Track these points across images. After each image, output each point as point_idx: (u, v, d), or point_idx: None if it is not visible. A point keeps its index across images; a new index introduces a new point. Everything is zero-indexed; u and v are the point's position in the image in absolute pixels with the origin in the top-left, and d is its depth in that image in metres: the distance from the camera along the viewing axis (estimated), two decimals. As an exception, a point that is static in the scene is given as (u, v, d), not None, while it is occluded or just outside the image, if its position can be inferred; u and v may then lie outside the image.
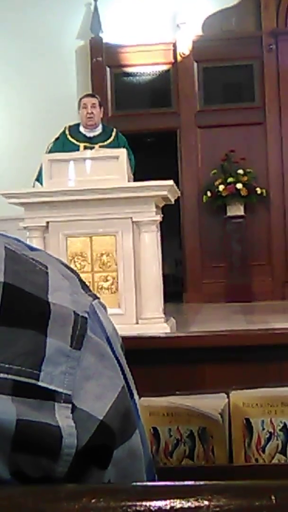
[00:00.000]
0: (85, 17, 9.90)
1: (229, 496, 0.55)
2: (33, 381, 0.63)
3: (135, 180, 5.93)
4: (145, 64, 9.82)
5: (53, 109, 9.17)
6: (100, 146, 6.41)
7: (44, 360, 0.64)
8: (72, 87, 9.53)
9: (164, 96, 9.95)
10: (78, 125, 6.64)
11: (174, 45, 9.77)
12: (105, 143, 6.49)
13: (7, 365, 0.62)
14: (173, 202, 6.13)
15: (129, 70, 9.89)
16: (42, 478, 0.63)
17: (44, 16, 9.70)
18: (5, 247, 0.68)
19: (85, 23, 9.87)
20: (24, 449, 0.62)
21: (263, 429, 1.58)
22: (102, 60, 9.76)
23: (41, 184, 5.94)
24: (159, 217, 5.67)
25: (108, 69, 9.85)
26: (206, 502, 0.54)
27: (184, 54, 9.73)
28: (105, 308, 0.73)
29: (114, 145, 6.46)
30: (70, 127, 6.68)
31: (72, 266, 5.43)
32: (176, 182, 6.13)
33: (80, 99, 6.73)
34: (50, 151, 6.37)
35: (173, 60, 9.82)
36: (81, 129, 6.59)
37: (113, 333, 0.72)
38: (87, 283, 0.74)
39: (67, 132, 6.64)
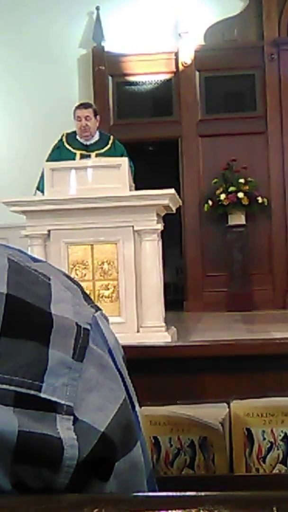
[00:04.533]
0: (88, 26, 9.92)
1: (231, 507, 0.55)
2: (35, 393, 0.63)
3: (136, 188, 5.94)
4: (147, 73, 9.84)
5: (55, 117, 9.17)
6: (97, 154, 6.42)
7: (46, 372, 0.64)
8: (74, 96, 9.53)
9: (166, 105, 9.96)
10: (75, 132, 6.63)
11: (176, 54, 9.79)
12: (102, 150, 6.49)
13: (9, 376, 0.63)
14: (174, 211, 6.14)
15: (131, 79, 9.90)
16: (43, 490, 0.63)
17: (46, 25, 9.72)
18: (8, 258, 0.69)
19: (88, 32, 9.89)
20: (26, 460, 0.62)
21: (264, 439, 1.58)
22: (104, 69, 9.78)
23: (42, 192, 5.94)
24: (160, 226, 5.67)
25: (110, 78, 9.86)
26: (207, 513, 0.54)
27: (186, 63, 9.74)
28: (107, 320, 0.73)
29: (111, 152, 6.45)
30: (67, 134, 6.67)
31: (73, 274, 5.43)
32: (178, 191, 6.13)
33: (75, 109, 6.63)
34: (49, 159, 6.37)
35: (175, 69, 9.83)
36: (78, 137, 6.59)
37: (115, 345, 0.72)
38: (87, 291, 0.74)
39: (64, 139, 6.63)
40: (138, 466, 0.72)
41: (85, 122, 6.47)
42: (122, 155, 6.32)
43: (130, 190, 5.70)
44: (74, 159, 6.38)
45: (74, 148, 6.53)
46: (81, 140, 6.56)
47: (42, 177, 6.03)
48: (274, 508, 0.54)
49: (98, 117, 6.64)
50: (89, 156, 6.40)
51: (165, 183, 6.04)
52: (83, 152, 6.49)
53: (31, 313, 0.65)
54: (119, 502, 0.57)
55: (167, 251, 6.34)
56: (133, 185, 5.93)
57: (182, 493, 0.58)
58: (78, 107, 6.65)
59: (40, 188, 6.15)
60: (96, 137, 6.59)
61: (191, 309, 9.45)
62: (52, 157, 6.42)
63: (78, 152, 6.50)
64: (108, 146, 6.54)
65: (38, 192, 6.22)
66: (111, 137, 6.73)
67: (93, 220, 5.55)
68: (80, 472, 0.65)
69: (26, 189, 6.60)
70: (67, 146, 6.56)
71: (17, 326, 0.64)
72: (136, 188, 5.94)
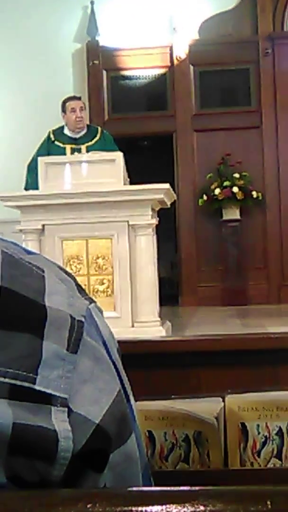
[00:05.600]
0: (82, 20, 9.90)
1: (225, 501, 0.55)
2: (29, 385, 0.63)
3: (131, 183, 5.93)
4: (141, 67, 9.82)
5: (49, 112, 9.13)
6: (87, 147, 6.41)
7: (41, 364, 0.64)
8: (69, 90, 9.48)
9: (161, 99, 9.95)
10: (62, 127, 6.62)
11: (171, 48, 9.78)
12: (91, 142, 6.49)
13: (3, 369, 0.62)
14: (169, 206, 6.14)
15: (125, 73, 9.89)
16: (38, 482, 0.63)
17: (40, 19, 9.70)
18: (2, 251, 0.68)
19: (82, 26, 9.87)
20: (20, 452, 0.62)
21: (259, 433, 1.58)
22: (99, 63, 9.76)
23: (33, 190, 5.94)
24: (155, 221, 5.67)
25: (104, 72, 9.85)
26: (202, 508, 0.54)
27: (180, 58, 9.73)
28: (101, 312, 0.73)
29: (101, 144, 6.45)
30: (53, 131, 6.66)
31: (68, 269, 5.41)
32: (172, 186, 6.13)
33: (64, 102, 6.62)
34: (34, 159, 6.33)
35: (169, 64, 9.82)
36: (66, 131, 6.57)
37: (109, 337, 0.72)
38: (82, 286, 0.74)
39: (51, 136, 6.61)
40: (133, 458, 0.72)
41: (80, 113, 6.48)
42: (112, 147, 6.32)
43: (125, 184, 5.70)
44: (64, 153, 6.37)
45: (63, 143, 6.52)
46: (70, 134, 6.55)
47: (28, 177, 6.04)
48: (268, 502, 0.54)
49: (87, 109, 6.70)
50: (79, 149, 6.40)
51: (160, 177, 6.04)
52: (73, 145, 6.48)
53: (25, 306, 0.65)
54: (113, 497, 0.57)
55: (161, 246, 6.34)
56: (128, 180, 5.92)
57: (177, 488, 0.58)
58: (70, 99, 6.67)
59: (28, 187, 6.16)
60: (84, 129, 6.58)
61: (185, 304, 9.46)
62: (40, 154, 6.38)
63: (68, 146, 6.48)
64: (97, 137, 6.54)
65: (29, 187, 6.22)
66: (99, 128, 6.74)
67: (87, 215, 5.54)
68: (75, 464, 0.65)
69: (20, 184, 6.59)
70: (56, 142, 6.55)
71: (11, 319, 0.64)
72: (131, 183, 5.94)
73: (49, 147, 6.53)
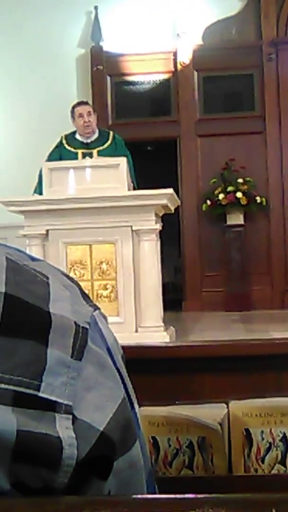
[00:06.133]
0: (86, 26, 9.92)
1: (230, 509, 0.54)
2: (33, 392, 0.63)
3: (137, 184, 5.95)
4: (145, 72, 9.84)
5: (52, 117, 9.17)
6: (99, 151, 6.42)
7: (45, 371, 0.64)
8: (73, 96, 9.52)
9: (164, 104, 9.96)
10: (74, 132, 6.64)
11: (175, 54, 9.79)
12: (103, 147, 6.49)
13: (7, 376, 0.62)
14: (172, 211, 6.14)
15: (129, 78, 9.91)
16: (42, 489, 0.63)
17: (45, 25, 9.72)
18: (6, 257, 0.68)
19: (86, 32, 9.89)
20: (25, 459, 0.62)
21: (263, 439, 1.58)
22: (103, 69, 9.77)
23: (40, 195, 5.94)
24: (158, 226, 5.67)
25: (108, 77, 9.86)
26: (207, 515, 0.54)
27: (184, 63, 9.74)
28: (105, 318, 0.73)
29: (112, 148, 6.46)
30: (66, 136, 6.68)
31: (71, 274, 5.43)
32: (176, 191, 6.13)
33: (73, 108, 6.66)
34: (48, 161, 6.36)
35: (173, 69, 9.83)
36: (78, 136, 6.59)
37: (113, 344, 0.72)
38: (86, 291, 0.74)
39: (63, 141, 6.63)
40: (137, 465, 0.72)
41: (88, 118, 6.48)
42: (123, 151, 6.33)
43: (129, 189, 5.70)
44: (76, 158, 6.38)
45: (75, 148, 6.54)
46: (81, 139, 6.56)
47: (39, 181, 6.04)
48: (273, 510, 0.54)
49: (95, 113, 6.69)
50: (91, 154, 6.40)
51: (164, 183, 6.04)
52: (84, 150, 6.49)
53: (30, 312, 0.65)
54: (117, 504, 0.57)
55: (165, 251, 6.34)
56: (132, 184, 5.92)
57: (181, 495, 0.58)
58: (78, 104, 6.68)
59: (37, 191, 6.16)
60: (96, 134, 6.60)
61: (189, 309, 9.45)
62: (52, 159, 6.41)
63: (79, 151, 6.50)
64: (109, 142, 6.55)
65: (36, 195, 6.22)
66: (111, 132, 6.74)
67: (91, 220, 5.54)
68: (79, 471, 0.64)
69: (24, 189, 6.60)
70: (68, 147, 6.56)
71: (15, 325, 0.64)
72: (137, 184, 5.95)
73: (61, 151, 6.55)
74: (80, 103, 6.76)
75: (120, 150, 6.39)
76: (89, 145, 6.54)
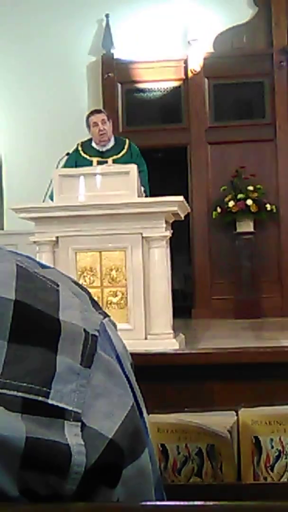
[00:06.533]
0: (97, 33, 9.96)
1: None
2: (42, 399, 0.63)
3: (150, 191, 5.94)
4: (156, 80, 9.86)
5: (64, 124, 9.21)
6: (114, 160, 6.40)
7: (54, 378, 0.64)
8: (84, 103, 9.57)
9: (175, 112, 9.98)
10: (90, 140, 6.62)
11: (185, 61, 9.81)
12: (118, 155, 6.48)
13: (16, 383, 0.62)
14: (183, 218, 6.13)
15: (140, 86, 9.93)
16: (51, 496, 0.63)
17: (56, 33, 9.76)
18: (17, 264, 0.69)
19: (97, 39, 9.93)
20: (33, 466, 0.62)
21: (272, 447, 1.57)
22: (114, 76, 9.80)
23: (52, 201, 5.94)
24: (168, 233, 5.67)
25: (119, 85, 9.89)
26: (215, 523, 0.54)
27: (195, 71, 9.76)
28: (115, 326, 0.73)
29: (127, 157, 6.44)
30: (82, 143, 6.67)
31: (81, 281, 5.43)
32: (186, 198, 6.12)
33: (88, 117, 6.64)
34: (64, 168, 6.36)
35: (184, 77, 9.85)
36: (93, 144, 6.58)
37: (123, 351, 0.72)
38: (96, 298, 0.74)
39: (79, 148, 6.62)
40: (146, 472, 0.71)
41: (102, 126, 6.47)
42: (138, 160, 6.32)
43: (139, 196, 5.70)
44: (91, 166, 6.37)
45: (90, 156, 6.52)
46: (97, 147, 6.54)
47: (51, 187, 6.03)
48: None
49: (111, 121, 6.66)
50: (106, 162, 6.39)
51: (174, 190, 6.04)
52: (99, 158, 6.48)
53: (39, 320, 0.65)
54: (126, 511, 0.57)
55: (175, 258, 6.34)
56: (142, 192, 5.91)
57: (190, 503, 0.58)
58: (92, 113, 6.66)
59: (50, 197, 6.15)
60: (112, 142, 6.57)
61: (199, 316, 9.44)
62: (68, 165, 6.40)
63: (94, 160, 6.48)
64: (124, 150, 6.53)
65: (48, 199, 6.21)
66: (127, 141, 6.69)
67: (101, 226, 5.55)
68: (87, 478, 0.64)
69: (35, 196, 6.60)
70: (83, 154, 6.54)
71: (25, 332, 0.64)
72: (150, 191, 5.94)
73: (77, 159, 6.53)
74: (94, 112, 6.73)
75: (135, 159, 6.38)
76: (104, 154, 6.52)
